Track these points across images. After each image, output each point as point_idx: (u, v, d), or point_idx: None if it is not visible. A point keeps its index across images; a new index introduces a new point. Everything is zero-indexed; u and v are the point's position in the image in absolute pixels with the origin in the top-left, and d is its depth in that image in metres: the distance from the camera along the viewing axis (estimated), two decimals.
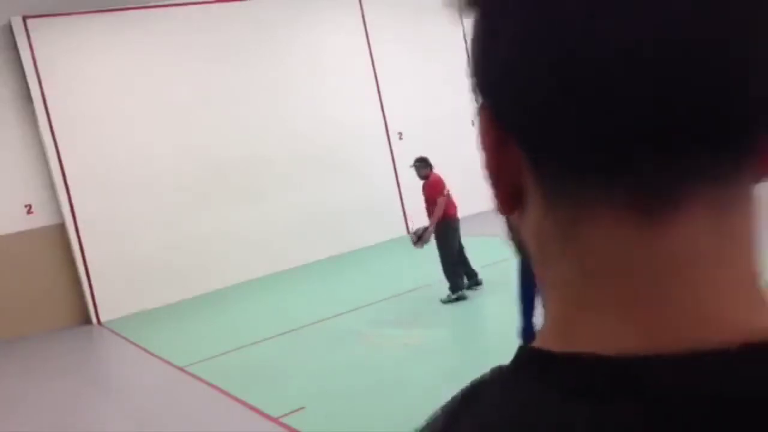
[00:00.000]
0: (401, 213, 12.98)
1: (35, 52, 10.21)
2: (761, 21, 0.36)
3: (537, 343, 0.44)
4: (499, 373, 0.45)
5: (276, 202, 11.76)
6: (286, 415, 5.14)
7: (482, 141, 0.45)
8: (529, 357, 0.43)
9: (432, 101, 13.36)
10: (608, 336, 0.40)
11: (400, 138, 13.07)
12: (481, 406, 0.44)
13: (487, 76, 0.43)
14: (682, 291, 0.39)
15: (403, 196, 12.98)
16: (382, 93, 12.94)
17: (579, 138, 0.39)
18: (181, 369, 6.93)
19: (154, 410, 6.03)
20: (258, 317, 8.84)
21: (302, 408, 5.23)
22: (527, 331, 4.21)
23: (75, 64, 10.48)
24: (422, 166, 7.90)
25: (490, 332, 6.89)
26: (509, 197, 0.45)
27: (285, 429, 4.93)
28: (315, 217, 12.01)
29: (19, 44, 10.15)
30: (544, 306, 0.46)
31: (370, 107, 12.81)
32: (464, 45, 13.96)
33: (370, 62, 12.86)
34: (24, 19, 10.14)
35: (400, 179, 12.98)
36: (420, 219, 12.85)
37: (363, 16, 12.80)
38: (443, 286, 7.93)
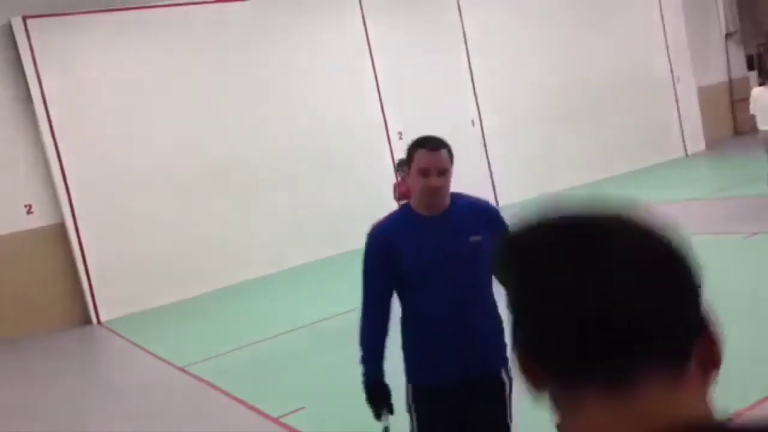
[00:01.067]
0: None
1: (35, 52, 10.21)
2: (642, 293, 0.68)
3: None
4: None
5: (276, 202, 11.75)
6: (286, 414, 5.14)
7: (523, 371, 0.75)
8: None
9: (432, 101, 13.35)
10: None
11: (400, 138, 13.06)
12: None
13: (522, 322, 0.74)
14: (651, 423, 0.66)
15: None
16: (382, 93, 12.94)
17: (576, 359, 0.69)
18: (182, 369, 6.93)
19: (154, 410, 6.03)
20: (258, 317, 8.83)
21: (302, 408, 5.23)
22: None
23: (75, 64, 10.48)
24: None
25: None
26: (537, 386, 0.74)
27: (285, 429, 4.93)
28: (315, 217, 12.01)
29: (19, 44, 10.14)
30: None
31: (370, 107, 12.81)
32: (464, 45, 13.96)
33: (370, 62, 12.86)
34: (24, 19, 10.14)
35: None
36: None
37: (363, 16, 12.80)
38: None
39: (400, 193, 8.05)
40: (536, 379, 0.72)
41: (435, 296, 2.74)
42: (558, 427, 0.71)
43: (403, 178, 8.16)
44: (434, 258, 2.70)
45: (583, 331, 0.67)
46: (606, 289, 0.67)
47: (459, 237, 2.73)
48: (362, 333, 2.92)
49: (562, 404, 0.70)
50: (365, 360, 2.95)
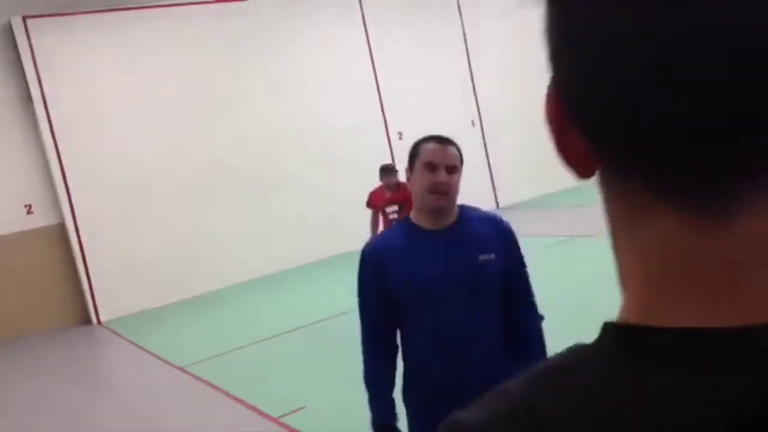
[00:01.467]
0: None
1: (35, 52, 10.21)
2: None
3: (623, 319, 0.44)
4: (583, 350, 0.45)
5: (276, 202, 11.75)
6: (286, 414, 5.13)
7: (547, 117, 0.47)
8: (620, 331, 0.43)
9: (432, 101, 13.36)
10: (699, 314, 0.40)
11: (400, 138, 13.07)
12: (569, 387, 0.43)
13: (556, 52, 0.44)
14: (760, 281, 0.40)
15: None
16: (382, 93, 12.94)
17: (639, 128, 0.40)
18: (181, 369, 6.93)
19: (154, 410, 6.03)
20: (258, 317, 8.83)
21: (302, 408, 5.23)
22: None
23: (75, 63, 10.48)
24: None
25: None
26: (578, 167, 0.46)
27: (285, 429, 4.93)
28: (315, 217, 12.01)
29: (19, 44, 10.15)
30: (621, 279, 0.46)
31: (370, 107, 12.81)
32: (464, 44, 13.96)
33: (370, 62, 12.86)
34: (24, 19, 10.14)
35: (399, 179, 12.98)
36: None
37: (363, 16, 12.80)
38: None
39: (374, 200, 7.79)
40: (581, 162, 0.45)
41: (430, 326, 2.26)
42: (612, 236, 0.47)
43: (387, 184, 7.78)
44: (432, 278, 2.22)
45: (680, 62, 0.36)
46: None
47: (466, 254, 2.25)
48: (366, 370, 2.47)
49: (615, 212, 0.45)
50: (372, 400, 2.51)
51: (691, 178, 0.39)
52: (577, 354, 0.45)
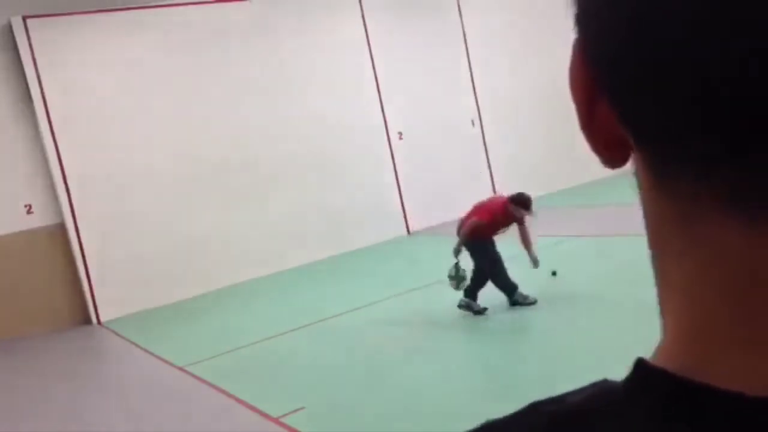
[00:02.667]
0: (401, 213, 12.98)
1: (35, 52, 10.21)
2: None
3: (661, 361, 0.34)
4: (609, 396, 0.37)
5: (276, 202, 11.76)
6: (285, 414, 5.14)
7: (572, 86, 0.38)
8: (655, 382, 0.34)
9: (432, 101, 13.36)
10: (759, 372, 0.31)
11: (400, 138, 13.07)
12: None
13: (584, 3, 0.36)
14: None
15: (403, 196, 12.98)
16: (382, 93, 12.94)
17: (687, 114, 0.30)
18: (181, 369, 6.93)
19: (153, 410, 6.03)
20: (258, 317, 8.83)
21: (302, 408, 5.23)
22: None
23: (75, 64, 10.48)
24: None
25: (490, 331, 6.89)
26: (609, 151, 0.37)
27: (285, 429, 4.93)
28: (315, 217, 12.01)
29: (19, 44, 10.14)
30: (663, 305, 0.37)
31: (370, 107, 12.81)
32: (464, 44, 13.96)
33: (370, 62, 12.86)
34: (24, 19, 10.14)
35: (400, 179, 12.98)
36: (419, 219, 12.88)
37: (363, 17, 12.80)
38: (443, 286, 7.94)
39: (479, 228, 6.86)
40: (612, 145, 0.36)
41: None
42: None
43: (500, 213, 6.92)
44: None
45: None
46: None
47: None
48: None
49: (657, 217, 0.36)
50: None
51: (764, 175, 0.29)
52: (603, 397, 0.37)
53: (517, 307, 6.89)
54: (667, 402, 0.33)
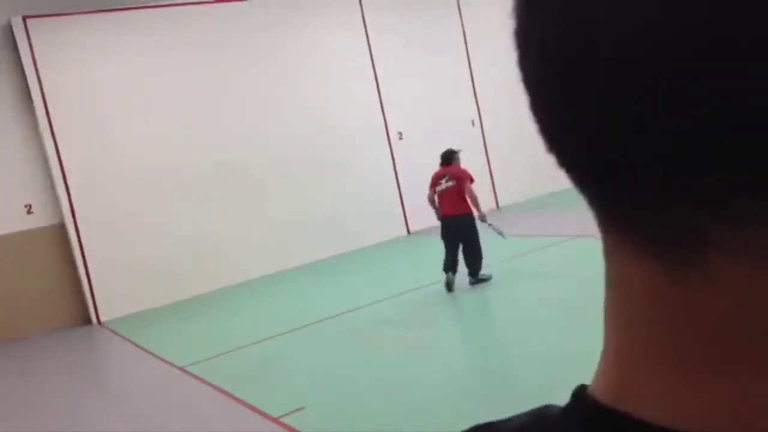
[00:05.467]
0: (401, 213, 12.98)
1: (35, 51, 10.22)
2: None
3: (597, 390, 0.35)
4: (545, 420, 0.38)
5: (276, 202, 11.76)
6: (285, 415, 5.14)
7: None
8: (582, 408, 0.35)
9: (432, 101, 13.37)
10: (681, 406, 0.31)
11: (400, 138, 13.07)
12: None
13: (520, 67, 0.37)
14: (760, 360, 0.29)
15: (403, 196, 12.98)
16: (382, 93, 12.94)
17: (593, 152, 0.31)
18: (181, 369, 6.93)
19: (154, 410, 6.04)
20: (258, 317, 8.84)
21: (302, 408, 5.24)
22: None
23: (75, 63, 10.49)
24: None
25: (490, 332, 6.89)
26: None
27: (285, 429, 4.93)
28: (315, 217, 12.02)
29: (19, 44, 10.15)
30: (605, 335, 0.37)
31: (370, 107, 12.82)
32: (464, 44, 13.97)
33: (370, 62, 12.86)
34: (24, 19, 10.15)
35: (400, 179, 12.99)
36: (419, 219, 12.88)
37: (363, 17, 12.81)
38: (443, 286, 7.95)
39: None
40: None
41: None
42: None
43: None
44: None
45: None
46: None
47: None
48: None
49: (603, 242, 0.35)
50: None
51: (662, 221, 0.29)
52: (540, 421, 0.38)
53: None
54: (587, 428, 0.34)
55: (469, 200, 7.74)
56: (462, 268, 7.89)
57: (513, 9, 0.34)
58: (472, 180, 7.83)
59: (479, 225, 7.85)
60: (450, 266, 7.88)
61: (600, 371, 0.36)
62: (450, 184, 7.86)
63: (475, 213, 7.76)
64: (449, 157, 8.06)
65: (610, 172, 0.30)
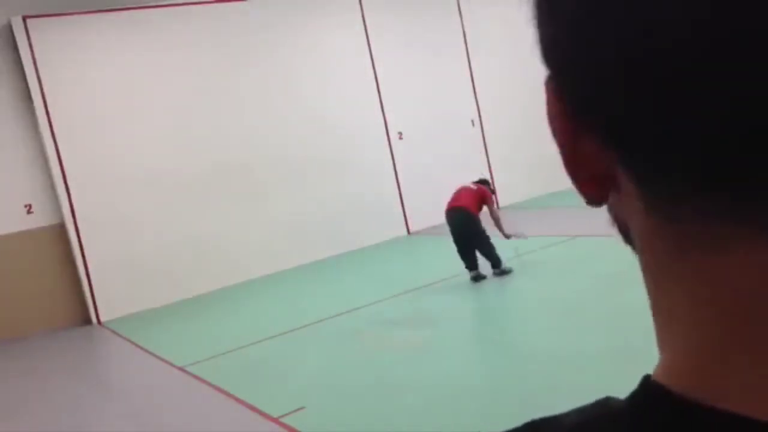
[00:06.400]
0: (401, 213, 12.99)
1: (35, 52, 10.22)
2: None
3: (665, 380, 0.34)
4: (612, 416, 0.36)
5: (276, 202, 11.77)
6: (286, 414, 5.14)
7: (551, 123, 0.37)
8: (662, 402, 0.34)
9: (432, 101, 13.37)
10: (765, 396, 0.30)
11: (400, 138, 13.08)
12: None
13: (550, 36, 0.34)
14: None
15: (403, 196, 12.99)
16: (382, 93, 12.95)
17: (687, 133, 0.29)
18: (182, 369, 6.94)
19: (154, 410, 6.04)
20: (258, 317, 8.84)
21: (302, 408, 5.24)
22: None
23: (75, 64, 10.49)
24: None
25: (490, 332, 6.90)
26: (593, 186, 0.36)
27: (285, 429, 4.94)
28: (315, 217, 12.02)
29: (19, 44, 10.15)
30: (661, 326, 0.36)
31: (370, 107, 12.82)
32: (464, 44, 13.97)
33: (370, 62, 12.87)
34: (24, 19, 10.15)
35: (400, 179, 12.99)
36: (419, 219, 12.89)
37: (363, 17, 12.81)
38: (443, 286, 7.95)
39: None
40: (598, 182, 0.36)
41: None
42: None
43: None
44: None
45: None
46: None
47: None
48: None
49: (655, 246, 0.35)
50: None
51: None
52: (606, 417, 0.36)
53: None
54: (674, 424, 0.32)
55: (492, 219, 8.16)
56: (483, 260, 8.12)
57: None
58: (493, 203, 8.36)
59: (484, 224, 8.13)
60: (469, 265, 8.11)
61: (670, 364, 0.35)
62: (473, 188, 8.35)
63: (499, 233, 8.20)
64: (483, 181, 8.71)
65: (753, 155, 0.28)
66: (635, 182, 0.33)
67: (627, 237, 0.38)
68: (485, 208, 8.25)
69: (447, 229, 8.33)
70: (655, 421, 0.33)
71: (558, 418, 0.39)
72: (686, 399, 0.32)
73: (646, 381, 0.35)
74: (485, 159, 13.96)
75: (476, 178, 8.84)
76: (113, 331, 9.64)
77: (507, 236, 8.26)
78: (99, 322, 10.38)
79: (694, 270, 0.32)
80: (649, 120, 0.30)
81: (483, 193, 8.31)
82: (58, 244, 10.45)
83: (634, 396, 0.35)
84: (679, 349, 0.34)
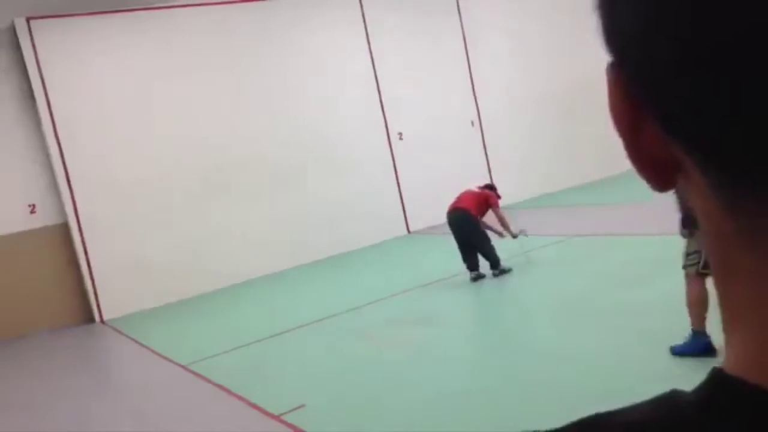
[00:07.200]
0: (401, 213, 13.03)
1: (38, 52, 10.27)
2: None
3: (739, 372, 0.33)
4: (686, 407, 0.34)
5: (276, 202, 11.81)
6: (286, 412, 5.19)
7: (612, 110, 0.36)
8: (741, 396, 0.32)
9: (432, 101, 13.41)
10: None
11: (400, 138, 13.12)
12: None
13: (615, 22, 0.33)
14: None
15: (403, 196, 13.03)
16: (382, 93, 12.99)
17: (759, 122, 0.28)
18: (183, 367, 6.99)
19: (156, 408, 6.09)
20: (259, 316, 8.89)
21: (302, 406, 5.28)
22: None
23: (78, 64, 10.54)
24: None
25: (490, 330, 6.94)
26: (656, 172, 0.35)
27: (285, 426, 4.99)
28: (315, 217, 12.06)
29: (22, 45, 10.21)
30: (730, 321, 0.35)
31: (370, 107, 12.86)
32: (464, 44, 14.01)
33: (370, 62, 12.91)
34: (27, 20, 10.20)
35: (400, 179, 13.03)
36: (419, 219, 12.93)
37: (363, 16, 12.85)
38: (443, 285, 8.01)
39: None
40: (663, 170, 0.35)
41: None
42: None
43: None
44: None
45: None
46: None
47: None
48: None
49: (724, 236, 0.33)
50: None
51: None
52: (677, 410, 0.34)
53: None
54: (756, 414, 0.31)
55: (498, 221, 8.31)
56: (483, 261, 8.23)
57: None
58: (498, 207, 8.43)
59: (485, 226, 8.32)
60: (470, 267, 8.23)
61: (741, 356, 0.34)
62: (476, 191, 8.47)
63: (505, 234, 8.38)
64: (490, 186, 8.82)
65: None
66: (701, 170, 0.32)
67: (686, 222, 0.39)
68: (489, 213, 8.36)
69: (447, 229, 8.40)
70: (735, 413, 0.32)
71: (614, 416, 0.37)
72: (764, 389, 0.31)
73: (719, 373, 0.34)
74: (485, 159, 14.01)
75: (482, 184, 8.98)
76: (116, 330, 9.69)
77: (514, 236, 8.43)
78: (102, 320, 10.44)
79: (761, 264, 0.32)
80: (719, 107, 0.29)
81: (487, 196, 8.40)
82: (62, 244, 10.51)
83: (705, 388, 0.34)
84: (749, 341, 0.33)
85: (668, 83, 0.31)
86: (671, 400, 0.35)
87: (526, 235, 8.68)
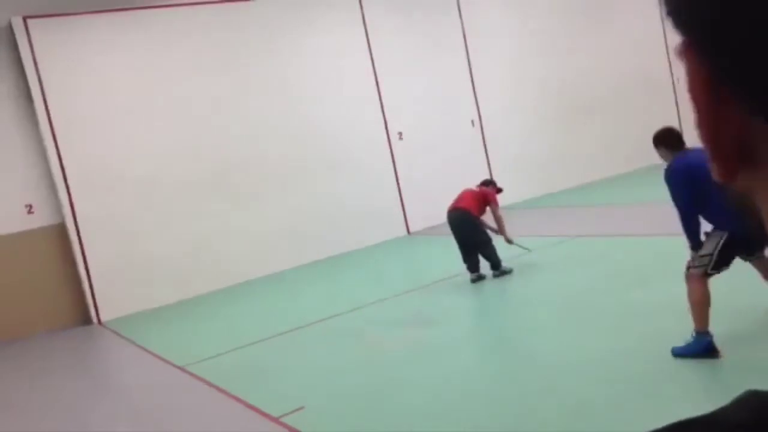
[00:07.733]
0: (401, 213, 12.99)
1: (36, 52, 10.23)
2: None
3: None
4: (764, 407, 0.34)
5: (276, 202, 11.77)
6: (285, 414, 5.15)
7: (690, 91, 0.34)
8: None
9: (432, 101, 13.38)
10: None
11: (400, 138, 13.08)
12: None
13: (695, 1, 0.31)
14: None
15: (403, 196, 12.99)
16: (382, 93, 12.95)
17: None
18: (182, 368, 6.95)
19: (154, 410, 6.05)
20: (258, 317, 8.85)
21: (302, 408, 5.25)
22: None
23: (75, 64, 10.50)
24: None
25: (490, 332, 6.91)
26: (730, 159, 0.33)
27: (284, 428, 4.95)
28: (315, 217, 12.02)
29: (19, 44, 10.16)
30: None
31: (370, 107, 12.83)
32: (464, 44, 13.98)
33: (370, 62, 12.88)
34: (24, 19, 10.16)
35: (400, 179, 13.00)
36: (419, 219, 12.90)
37: (363, 16, 12.82)
38: (443, 285, 7.96)
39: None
40: (738, 156, 0.33)
41: None
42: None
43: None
44: None
45: None
46: None
47: None
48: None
49: None
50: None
51: None
52: (757, 412, 0.33)
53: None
54: None
55: (495, 222, 8.23)
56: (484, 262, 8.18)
57: None
58: (497, 205, 8.33)
59: (489, 230, 8.22)
60: (470, 268, 8.17)
61: None
62: (475, 190, 8.40)
63: (502, 236, 8.25)
64: (488, 182, 8.72)
65: None
66: None
67: (746, 214, 0.36)
68: (488, 210, 8.28)
69: (447, 229, 8.36)
70: None
71: (712, 419, 0.35)
72: None
73: None
74: (485, 159, 13.97)
75: (480, 181, 8.90)
76: (114, 331, 9.65)
77: (508, 241, 8.32)
78: (99, 321, 10.39)
79: None
80: None
81: (486, 194, 8.32)
82: (59, 244, 10.47)
83: None
84: None
85: (754, 61, 0.29)
86: (757, 401, 0.34)
87: (528, 251, 8.58)
